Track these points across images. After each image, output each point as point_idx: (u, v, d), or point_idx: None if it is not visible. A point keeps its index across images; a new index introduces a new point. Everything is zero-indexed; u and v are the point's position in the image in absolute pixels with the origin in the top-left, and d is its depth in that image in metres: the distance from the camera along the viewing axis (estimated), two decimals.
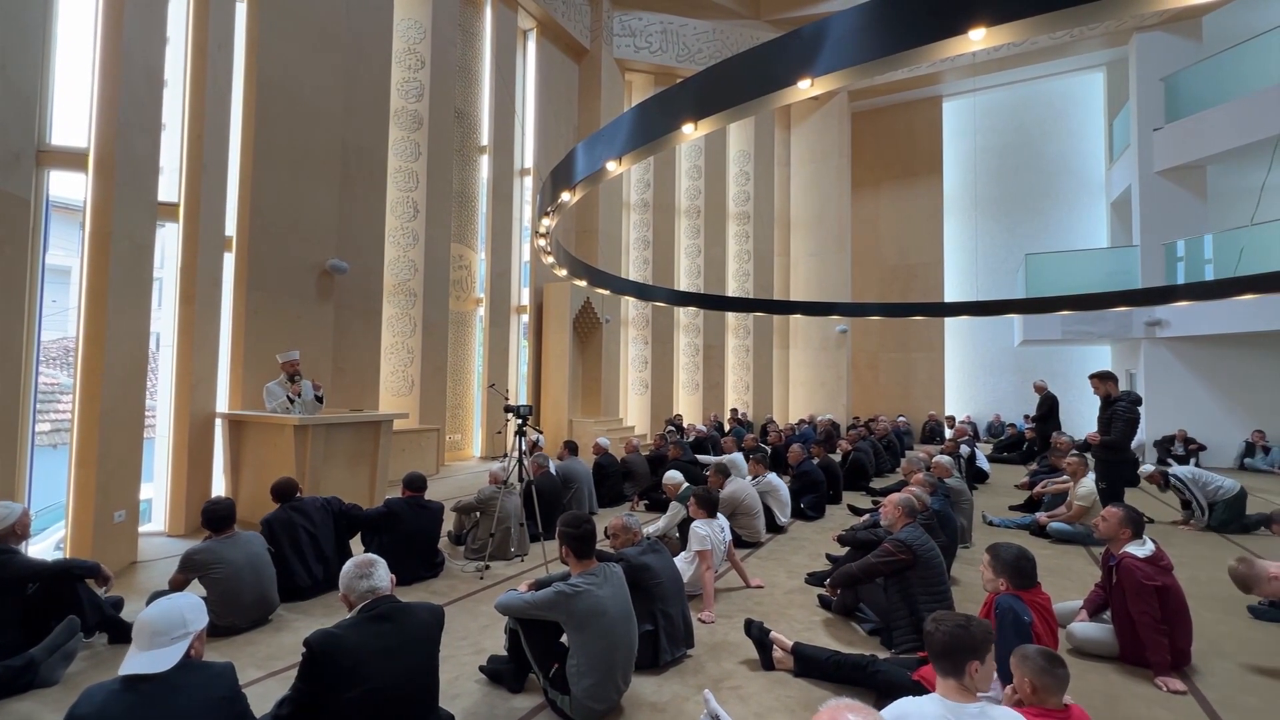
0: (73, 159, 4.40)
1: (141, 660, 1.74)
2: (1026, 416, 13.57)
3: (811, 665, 2.97)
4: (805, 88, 2.57)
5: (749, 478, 6.17)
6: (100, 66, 4.47)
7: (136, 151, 4.63)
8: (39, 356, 4.33)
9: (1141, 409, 5.56)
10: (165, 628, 1.79)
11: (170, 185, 5.53)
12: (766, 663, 3.09)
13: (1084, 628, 3.36)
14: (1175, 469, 6.59)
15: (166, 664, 1.74)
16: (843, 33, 2.44)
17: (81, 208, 4.45)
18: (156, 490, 5.69)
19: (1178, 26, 11.95)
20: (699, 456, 8.59)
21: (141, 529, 5.03)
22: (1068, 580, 4.53)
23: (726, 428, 12.86)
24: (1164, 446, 11.15)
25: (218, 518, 3.54)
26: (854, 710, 1.31)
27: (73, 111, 4.58)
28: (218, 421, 5.85)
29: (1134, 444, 6.14)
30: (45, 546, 6.91)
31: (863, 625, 3.62)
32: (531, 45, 11.97)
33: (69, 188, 4.66)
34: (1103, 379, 5.62)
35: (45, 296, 4.43)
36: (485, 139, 10.86)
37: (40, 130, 4.24)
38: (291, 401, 5.52)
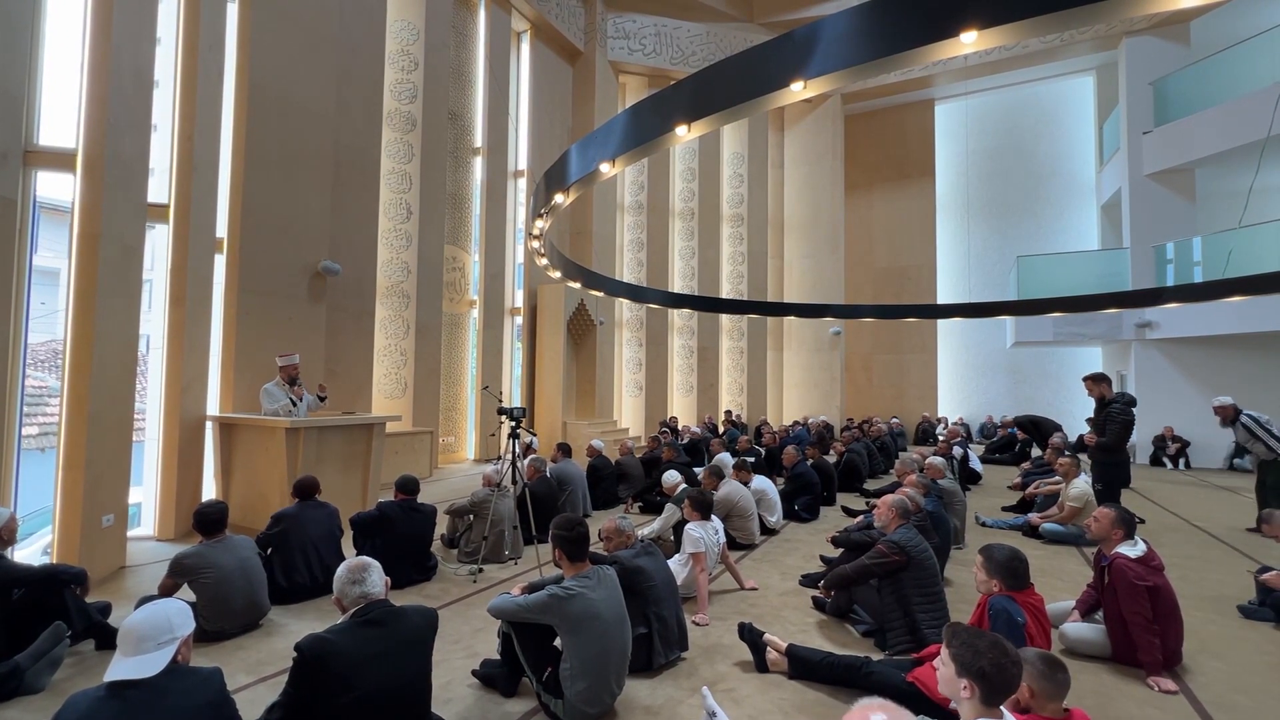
0: (61, 159, 4.36)
1: (128, 666, 1.71)
2: (1018, 422, 13.61)
3: (806, 667, 2.96)
4: (798, 90, 2.58)
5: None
6: (89, 66, 4.43)
7: (126, 152, 4.59)
8: (26, 359, 4.29)
9: (1135, 410, 5.59)
10: (151, 633, 1.76)
11: (160, 186, 5.49)
12: (760, 665, 3.08)
13: (1076, 628, 3.37)
14: (1249, 412, 5.77)
15: (153, 669, 1.72)
16: (836, 35, 2.45)
17: (70, 209, 4.41)
18: (146, 494, 5.63)
19: (1166, 31, 12.08)
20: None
21: (130, 533, 4.97)
22: (1060, 581, 4.55)
23: (721, 429, 12.87)
24: (1159, 444, 11.26)
25: (210, 521, 3.51)
26: (884, 710, 1.29)
27: (61, 111, 4.54)
28: (208, 424, 5.80)
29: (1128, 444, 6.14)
30: (32, 551, 6.82)
31: (857, 627, 3.62)
32: (525, 47, 11.96)
33: (58, 189, 4.62)
34: (1096, 381, 5.65)
35: (33, 298, 4.39)
36: (479, 141, 10.84)
37: (28, 130, 4.20)
38: (294, 404, 5.46)
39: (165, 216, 5.51)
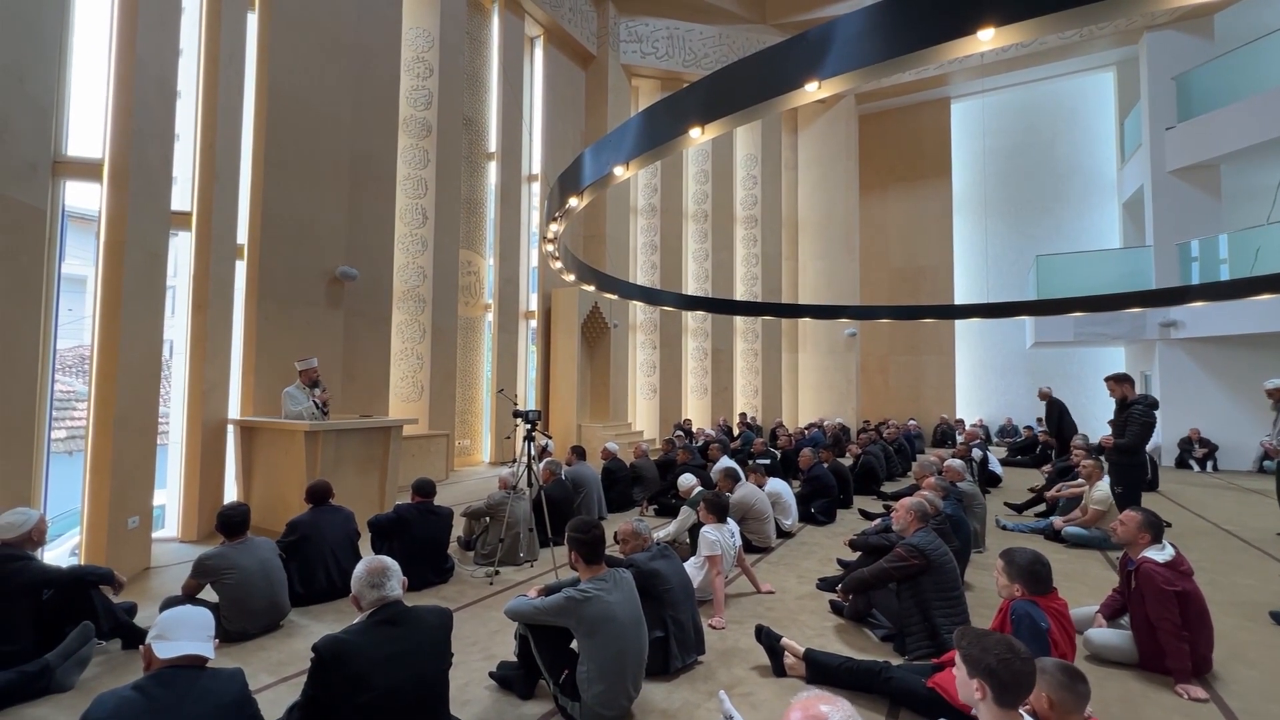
0: (88, 169, 4.46)
1: (192, 645, 1.83)
2: (1039, 420, 13.45)
3: (824, 672, 2.93)
4: (813, 90, 2.56)
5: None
6: (114, 78, 4.53)
7: (150, 161, 4.69)
8: (55, 364, 4.38)
9: (1158, 412, 5.48)
10: (205, 623, 1.91)
11: (183, 194, 5.59)
12: (778, 669, 3.06)
13: (1102, 634, 3.30)
14: None
15: (211, 654, 1.87)
16: (850, 35, 2.43)
17: (97, 217, 4.51)
18: (169, 496, 5.74)
19: (1189, 25, 11.84)
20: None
21: (154, 535, 5.07)
22: (1083, 585, 4.46)
23: (736, 432, 12.82)
24: (1184, 446, 11.02)
25: (233, 524, 3.57)
26: (825, 701, 1.34)
27: (88, 122, 4.65)
28: (229, 428, 5.89)
29: (1149, 447, 6.01)
30: (60, 553, 6.98)
31: (875, 631, 3.58)
32: (538, 52, 12.04)
33: (85, 198, 4.73)
34: (1119, 381, 5.55)
35: (61, 305, 4.49)
36: (493, 145, 10.92)
37: (56, 141, 4.30)
38: (318, 407, 5.55)
39: (188, 224, 5.61)
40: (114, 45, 4.55)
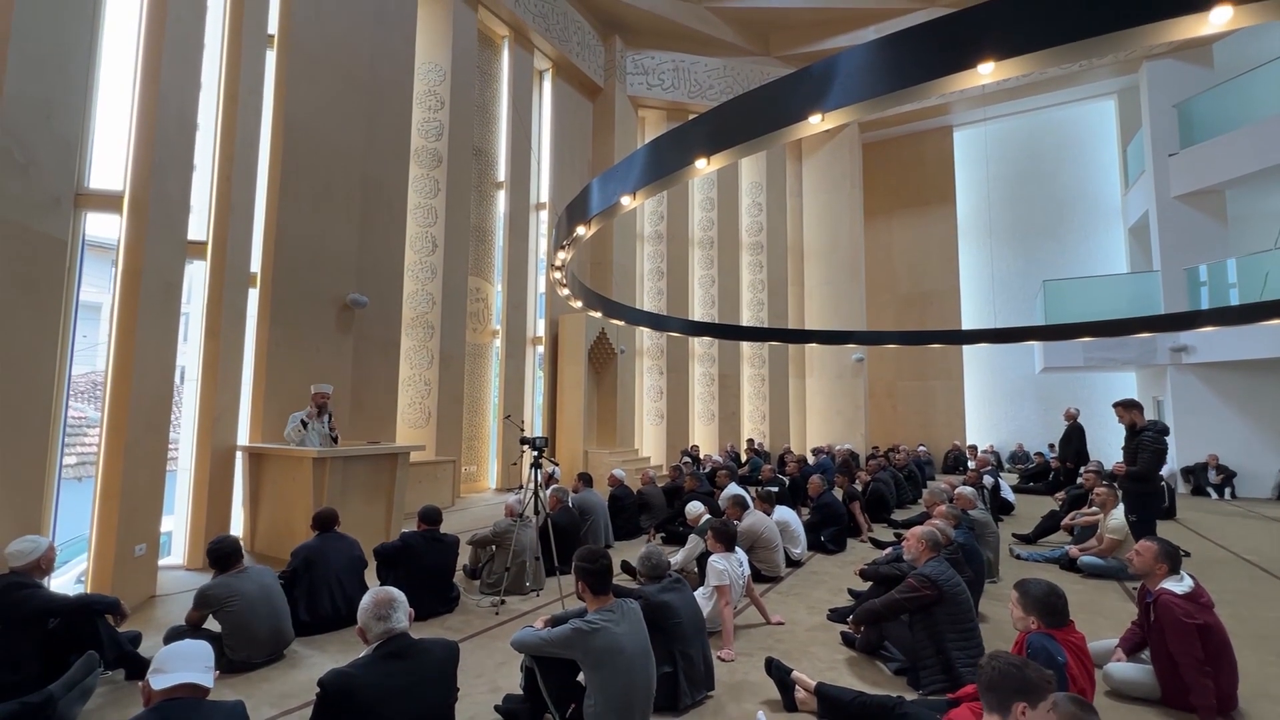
0: (108, 201, 4.57)
1: (192, 674, 1.83)
2: (1051, 446, 13.32)
3: (836, 707, 2.86)
4: (816, 122, 2.61)
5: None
6: (137, 112, 4.67)
7: (169, 193, 4.80)
8: (69, 391, 4.43)
9: (1169, 438, 5.40)
10: (203, 655, 1.90)
11: (199, 224, 5.71)
12: (789, 704, 2.99)
13: (1123, 669, 3.21)
14: None
15: (211, 683, 1.87)
16: (852, 69, 2.48)
17: (114, 246, 4.61)
18: (176, 523, 5.73)
19: (1188, 54, 12.00)
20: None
21: (160, 562, 5.05)
22: (1101, 617, 4.36)
23: (744, 458, 12.73)
24: (1199, 474, 10.82)
25: (223, 555, 3.54)
26: None
27: (109, 155, 4.78)
28: (238, 454, 5.91)
29: (1164, 473, 5.92)
30: (67, 580, 6.95)
31: (888, 664, 3.50)
32: (547, 85, 12.33)
33: (104, 227, 4.84)
34: (1127, 407, 5.49)
35: (77, 332, 4.56)
36: (502, 175, 11.12)
37: (79, 174, 4.42)
38: (305, 425, 5.53)
39: (203, 253, 5.72)
40: (138, 81, 4.70)
